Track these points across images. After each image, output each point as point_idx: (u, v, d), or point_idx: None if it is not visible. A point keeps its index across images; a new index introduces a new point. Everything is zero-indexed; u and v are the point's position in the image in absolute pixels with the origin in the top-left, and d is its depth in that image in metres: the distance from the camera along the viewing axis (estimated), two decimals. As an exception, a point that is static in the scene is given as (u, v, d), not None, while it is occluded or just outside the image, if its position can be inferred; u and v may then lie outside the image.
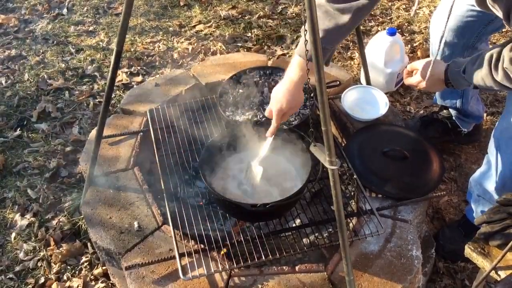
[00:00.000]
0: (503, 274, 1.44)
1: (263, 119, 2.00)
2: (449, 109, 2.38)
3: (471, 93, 2.25)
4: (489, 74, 1.49)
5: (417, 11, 3.48)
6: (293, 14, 3.49)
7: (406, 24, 3.34)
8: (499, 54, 1.45)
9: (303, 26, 1.72)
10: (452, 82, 1.67)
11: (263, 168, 1.78)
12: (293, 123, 1.99)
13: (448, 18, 1.57)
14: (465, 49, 2.04)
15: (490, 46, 1.62)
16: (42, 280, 2.02)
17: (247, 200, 1.75)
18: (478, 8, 1.69)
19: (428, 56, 3.09)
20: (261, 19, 3.44)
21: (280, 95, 1.69)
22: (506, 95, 1.72)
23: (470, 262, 1.72)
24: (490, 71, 1.48)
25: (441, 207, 2.22)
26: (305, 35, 1.64)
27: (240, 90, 2.12)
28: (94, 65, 3.10)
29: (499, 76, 1.45)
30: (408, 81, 1.84)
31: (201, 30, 3.38)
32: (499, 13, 1.38)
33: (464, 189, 2.24)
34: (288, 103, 1.69)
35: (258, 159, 1.79)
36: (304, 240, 1.94)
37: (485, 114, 2.58)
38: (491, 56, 1.47)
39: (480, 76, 1.52)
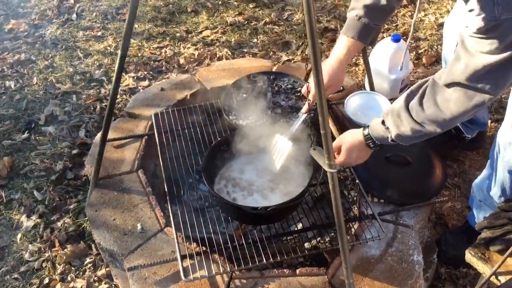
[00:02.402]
0: (503, 279, 1.44)
1: (266, 123, 2.01)
2: (453, 115, 2.38)
3: None
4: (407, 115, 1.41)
5: (423, 18, 3.49)
6: (299, 21, 3.51)
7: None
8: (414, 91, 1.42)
9: (349, 8, 1.77)
10: (375, 138, 1.53)
11: (292, 145, 1.75)
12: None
13: None
14: None
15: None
16: (46, 280, 2.05)
17: (248, 203, 1.76)
18: None
19: (434, 62, 3.11)
20: (267, 25, 3.47)
21: (323, 72, 1.72)
22: (508, 100, 1.72)
23: (473, 268, 1.72)
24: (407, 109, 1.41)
25: (444, 213, 2.22)
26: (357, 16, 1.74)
27: (244, 95, 2.15)
28: (101, 69, 3.14)
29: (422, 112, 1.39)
30: (336, 161, 1.60)
31: (208, 36, 3.41)
32: None
33: (468, 195, 2.23)
34: (329, 81, 1.75)
35: (289, 133, 1.79)
36: (306, 244, 1.95)
37: (489, 121, 2.57)
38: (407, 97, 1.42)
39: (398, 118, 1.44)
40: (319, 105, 1.16)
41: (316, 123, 1.83)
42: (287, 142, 1.76)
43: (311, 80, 1.71)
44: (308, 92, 1.77)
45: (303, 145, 1.79)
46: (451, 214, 2.22)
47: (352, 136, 1.61)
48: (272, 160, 1.79)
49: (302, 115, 1.83)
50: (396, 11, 3.53)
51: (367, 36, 1.76)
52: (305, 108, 1.82)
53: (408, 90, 1.45)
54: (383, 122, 1.50)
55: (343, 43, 1.77)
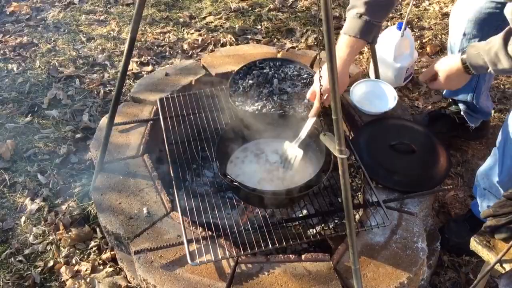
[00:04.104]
0: (508, 267, 1.45)
1: (272, 110, 2.01)
2: (459, 104, 2.38)
3: (483, 87, 2.24)
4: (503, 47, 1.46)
5: (427, 7, 3.48)
6: (303, 8, 3.49)
7: (416, 19, 3.34)
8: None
9: (348, 7, 1.74)
10: (472, 67, 1.61)
11: (302, 153, 1.74)
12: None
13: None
14: None
15: None
16: (51, 263, 2.05)
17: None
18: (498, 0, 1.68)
19: (438, 51, 3.10)
20: (271, 12, 3.45)
21: (326, 75, 1.71)
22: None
23: (475, 256, 1.74)
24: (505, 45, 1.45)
25: (447, 201, 2.24)
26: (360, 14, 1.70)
27: (250, 81, 2.14)
28: (104, 54, 3.12)
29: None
30: (434, 86, 1.80)
31: (211, 22, 3.39)
32: None
33: (470, 184, 2.25)
34: None
35: (298, 140, 1.75)
36: (310, 231, 1.97)
37: (492, 111, 2.58)
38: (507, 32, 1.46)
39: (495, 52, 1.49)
40: (332, 90, 1.16)
41: (324, 111, 1.84)
42: (297, 150, 1.73)
43: (316, 81, 1.71)
44: (315, 95, 1.73)
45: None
46: (454, 203, 2.23)
47: (449, 64, 1.67)
48: (285, 167, 1.79)
49: (311, 119, 1.78)
50: (397, 4, 3.52)
51: (369, 33, 1.72)
52: (313, 111, 1.77)
53: (506, 30, 1.46)
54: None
55: (345, 42, 1.72)
